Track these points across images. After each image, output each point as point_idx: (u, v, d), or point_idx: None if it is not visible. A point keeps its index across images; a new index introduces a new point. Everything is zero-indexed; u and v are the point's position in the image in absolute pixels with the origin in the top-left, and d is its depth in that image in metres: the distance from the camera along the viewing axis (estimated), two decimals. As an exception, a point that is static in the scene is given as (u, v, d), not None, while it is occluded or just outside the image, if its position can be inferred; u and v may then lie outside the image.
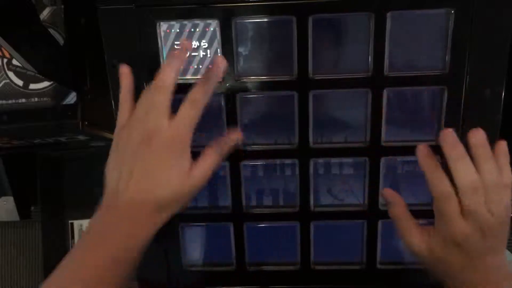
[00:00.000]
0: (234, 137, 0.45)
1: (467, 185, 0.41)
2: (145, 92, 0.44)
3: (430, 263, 0.45)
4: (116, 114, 0.50)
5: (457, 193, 0.42)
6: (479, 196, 0.41)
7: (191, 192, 0.43)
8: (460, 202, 0.41)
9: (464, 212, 0.41)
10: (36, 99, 0.57)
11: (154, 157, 0.41)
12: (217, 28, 0.48)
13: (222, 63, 0.43)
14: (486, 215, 0.41)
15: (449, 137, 0.41)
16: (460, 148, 0.41)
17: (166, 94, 0.42)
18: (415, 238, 0.45)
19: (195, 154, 0.51)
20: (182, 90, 0.50)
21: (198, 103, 0.43)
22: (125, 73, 0.46)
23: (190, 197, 0.43)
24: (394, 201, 0.46)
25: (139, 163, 0.41)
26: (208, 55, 0.49)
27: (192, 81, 0.50)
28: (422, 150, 0.43)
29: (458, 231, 0.41)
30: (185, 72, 0.50)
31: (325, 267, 0.55)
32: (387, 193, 0.47)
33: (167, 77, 0.42)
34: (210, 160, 0.43)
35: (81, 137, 0.61)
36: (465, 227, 0.41)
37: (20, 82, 0.57)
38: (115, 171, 0.42)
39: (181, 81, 0.50)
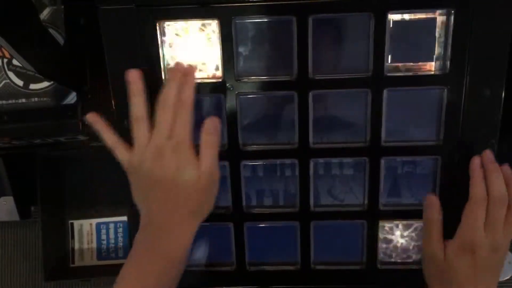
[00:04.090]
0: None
1: (498, 196, 0.45)
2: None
3: (435, 268, 0.49)
4: (116, 114, 0.50)
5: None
6: (503, 211, 0.45)
7: (210, 189, 0.46)
8: (487, 212, 0.46)
9: (487, 222, 0.45)
10: (36, 99, 0.57)
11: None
12: (217, 28, 0.48)
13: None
14: (501, 234, 0.45)
15: (488, 155, 0.47)
16: (496, 164, 0.47)
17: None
18: (437, 243, 0.48)
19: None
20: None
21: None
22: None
23: (211, 192, 0.47)
24: (434, 207, 0.49)
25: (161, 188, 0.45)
26: (208, 55, 0.49)
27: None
28: (476, 162, 0.47)
29: (478, 239, 0.45)
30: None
31: (325, 267, 0.55)
32: (430, 199, 0.49)
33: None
34: (209, 152, 0.45)
35: (81, 137, 0.61)
36: (485, 237, 0.45)
37: (20, 82, 0.57)
38: (140, 197, 0.47)
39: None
